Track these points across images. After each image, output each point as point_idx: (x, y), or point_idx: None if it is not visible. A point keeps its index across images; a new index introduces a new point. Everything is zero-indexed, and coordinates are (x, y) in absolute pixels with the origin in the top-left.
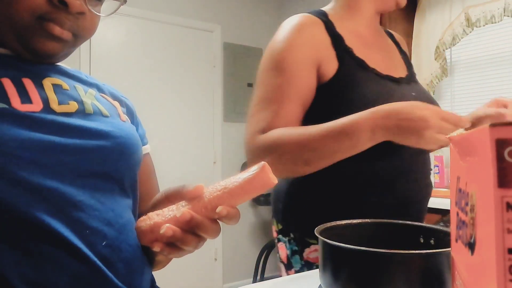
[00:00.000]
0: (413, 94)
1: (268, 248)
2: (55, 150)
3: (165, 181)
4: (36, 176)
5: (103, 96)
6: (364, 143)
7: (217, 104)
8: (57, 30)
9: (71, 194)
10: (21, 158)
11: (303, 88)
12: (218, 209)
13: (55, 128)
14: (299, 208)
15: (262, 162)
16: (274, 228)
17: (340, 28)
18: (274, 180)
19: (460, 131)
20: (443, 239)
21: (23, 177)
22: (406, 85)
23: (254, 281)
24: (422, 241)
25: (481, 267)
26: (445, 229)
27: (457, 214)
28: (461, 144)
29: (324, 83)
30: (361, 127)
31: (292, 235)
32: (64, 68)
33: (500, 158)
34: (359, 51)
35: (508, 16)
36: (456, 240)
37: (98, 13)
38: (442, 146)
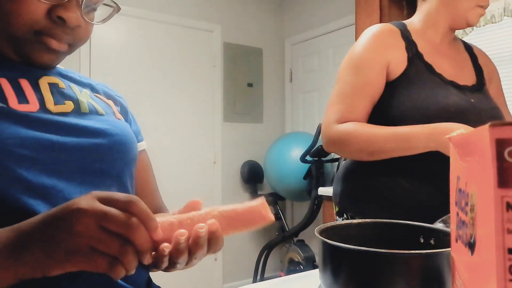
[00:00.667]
0: (472, 101)
1: (268, 248)
2: (53, 148)
3: (165, 181)
4: (34, 173)
5: (97, 96)
6: (419, 150)
7: (217, 104)
8: (54, 44)
9: (68, 192)
10: (20, 156)
11: (374, 86)
12: (210, 221)
13: (52, 127)
14: (352, 192)
15: (262, 199)
16: (334, 211)
17: (415, 37)
18: (271, 217)
19: (460, 131)
20: (443, 239)
21: (21, 174)
22: (469, 93)
23: (254, 281)
24: (422, 241)
25: (481, 267)
26: (445, 229)
27: (457, 214)
28: (461, 144)
29: (391, 80)
30: (420, 138)
31: (345, 216)
32: (59, 69)
33: (500, 158)
34: (429, 57)
35: (508, 16)
36: (456, 240)
37: (92, 22)
38: None
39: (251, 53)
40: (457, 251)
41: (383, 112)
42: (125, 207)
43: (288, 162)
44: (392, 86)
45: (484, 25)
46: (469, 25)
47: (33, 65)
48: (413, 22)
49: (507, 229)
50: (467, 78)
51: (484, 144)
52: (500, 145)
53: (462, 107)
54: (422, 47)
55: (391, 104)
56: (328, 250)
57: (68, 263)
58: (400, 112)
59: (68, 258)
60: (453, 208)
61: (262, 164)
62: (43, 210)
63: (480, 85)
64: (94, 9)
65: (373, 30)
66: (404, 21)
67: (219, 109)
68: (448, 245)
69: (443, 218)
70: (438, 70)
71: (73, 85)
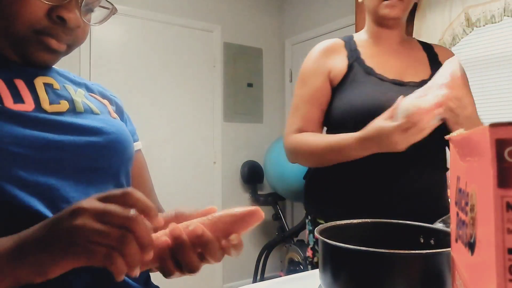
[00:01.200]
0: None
1: (268, 248)
2: (49, 146)
3: (165, 181)
4: (30, 172)
5: (92, 95)
6: (355, 157)
7: (217, 104)
8: (54, 44)
9: (64, 190)
10: (15, 154)
11: (321, 93)
12: (232, 237)
13: (47, 126)
14: (313, 193)
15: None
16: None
17: (361, 46)
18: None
19: (460, 131)
20: (443, 239)
21: (17, 172)
22: (415, 88)
23: (254, 281)
24: (422, 241)
25: (481, 267)
26: (445, 229)
27: (457, 214)
28: (461, 144)
29: (334, 86)
30: (352, 146)
31: (309, 217)
32: (54, 69)
33: (500, 158)
34: (372, 61)
35: (508, 16)
36: (456, 240)
37: (89, 23)
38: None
39: (251, 53)
40: (457, 251)
41: (327, 115)
42: (122, 199)
43: (288, 162)
44: (334, 91)
45: (484, 25)
46: (386, 18)
47: (32, 65)
48: (360, 34)
49: (507, 229)
50: (419, 74)
51: (484, 144)
52: (500, 145)
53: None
54: (365, 54)
55: (332, 107)
56: (328, 250)
57: (66, 258)
58: (338, 112)
59: (66, 253)
60: (453, 208)
61: (262, 164)
62: (40, 208)
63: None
64: (91, 10)
65: (318, 44)
66: (353, 34)
67: (219, 109)
68: (448, 245)
69: (443, 218)
70: (378, 71)
71: (68, 85)
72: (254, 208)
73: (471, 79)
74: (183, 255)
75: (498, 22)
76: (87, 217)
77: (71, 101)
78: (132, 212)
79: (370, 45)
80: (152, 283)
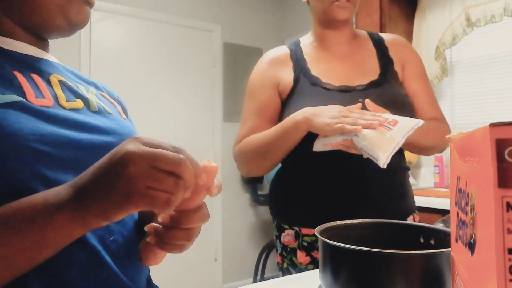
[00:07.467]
0: (360, 100)
1: (268, 248)
2: (69, 145)
3: None
4: (52, 170)
5: (102, 95)
6: (296, 137)
7: (217, 104)
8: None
9: None
10: (39, 152)
11: (269, 106)
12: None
13: (68, 123)
14: (276, 198)
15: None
16: None
17: (307, 51)
18: (216, 165)
19: (459, 131)
20: (443, 239)
21: (40, 170)
22: (361, 92)
23: (254, 281)
24: (422, 241)
25: (481, 267)
26: (445, 229)
27: (457, 214)
28: (461, 144)
29: (284, 99)
30: (289, 128)
31: (275, 222)
32: (65, 66)
33: (500, 158)
34: (318, 69)
35: (508, 16)
36: (456, 240)
37: None
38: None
39: (251, 53)
40: (457, 251)
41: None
42: (174, 151)
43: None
44: (284, 104)
45: (484, 25)
46: (337, 19)
47: (76, 26)
48: (307, 38)
49: (507, 229)
50: (368, 75)
51: (484, 144)
52: (500, 145)
53: None
54: (312, 61)
55: (282, 120)
56: (328, 250)
57: (129, 205)
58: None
59: (127, 200)
60: (453, 208)
61: None
62: None
63: (381, 81)
64: None
65: (265, 55)
66: (300, 38)
67: (219, 109)
68: (448, 245)
69: (443, 218)
70: (325, 80)
71: (79, 84)
72: (202, 165)
73: (471, 79)
74: (168, 238)
75: (498, 22)
76: (139, 164)
77: (86, 100)
78: (182, 157)
79: (316, 49)
80: (154, 284)
